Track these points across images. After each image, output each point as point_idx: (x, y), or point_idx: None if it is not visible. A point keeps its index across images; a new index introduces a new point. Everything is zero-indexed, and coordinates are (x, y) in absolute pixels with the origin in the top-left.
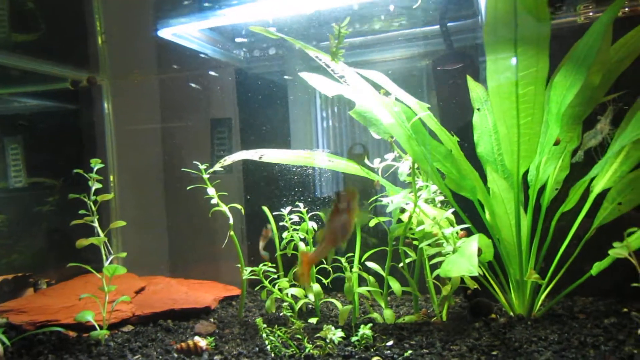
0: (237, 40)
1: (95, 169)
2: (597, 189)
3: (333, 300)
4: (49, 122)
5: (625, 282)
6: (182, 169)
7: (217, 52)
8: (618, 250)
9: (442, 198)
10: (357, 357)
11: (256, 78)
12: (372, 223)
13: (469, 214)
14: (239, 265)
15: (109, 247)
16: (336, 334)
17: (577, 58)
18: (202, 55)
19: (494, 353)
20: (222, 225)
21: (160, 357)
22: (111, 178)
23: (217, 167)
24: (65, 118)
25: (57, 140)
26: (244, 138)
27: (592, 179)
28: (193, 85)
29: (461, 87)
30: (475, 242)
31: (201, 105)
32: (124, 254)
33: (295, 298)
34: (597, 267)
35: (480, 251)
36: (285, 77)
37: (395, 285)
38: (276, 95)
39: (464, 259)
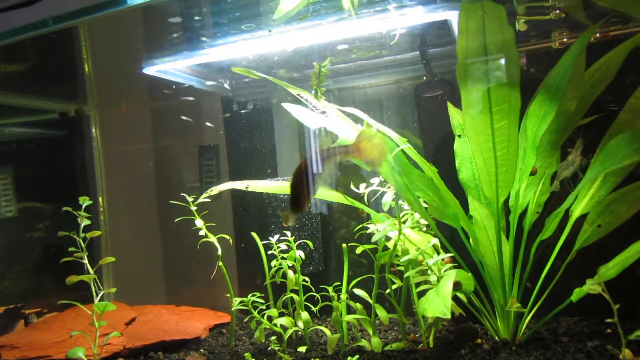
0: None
1: (83, 206)
2: (575, 213)
3: (322, 327)
4: (38, 150)
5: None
6: (170, 202)
7: (203, 83)
8: (591, 287)
9: (427, 224)
10: None
11: (242, 106)
12: (358, 251)
13: (454, 239)
14: (228, 295)
15: (99, 284)
16: None
17: (550, 87)
18: (188, 86)
19: None
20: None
21: None
22: (100, 200)
23: (204, 196)
24: (55, 145)
25: (47, 166)
26: (232, 164)
27: (571, 205)
28: (184, 117)
29: (442, 113)
30: (450, 280)
31: (189, 132)
32: (114, 289)
33: (284, 328)
34: (577, 294)
35: (459, 285)
36: (270, 106)
37: (382, 313)
38: (262, 122)
39: (439, 300)
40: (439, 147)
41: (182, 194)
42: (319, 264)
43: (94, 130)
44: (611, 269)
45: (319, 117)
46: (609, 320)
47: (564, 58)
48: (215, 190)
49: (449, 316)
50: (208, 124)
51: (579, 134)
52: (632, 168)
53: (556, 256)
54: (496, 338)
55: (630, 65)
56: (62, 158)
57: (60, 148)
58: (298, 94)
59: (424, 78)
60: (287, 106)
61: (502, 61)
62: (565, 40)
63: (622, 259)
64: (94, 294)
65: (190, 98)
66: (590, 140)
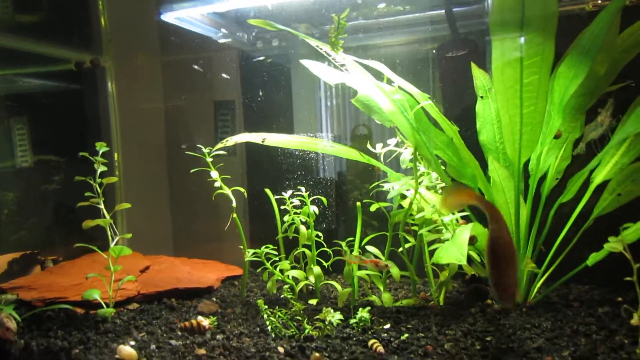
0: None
1: (100, 152)
2: (597, 179)
3: (333, 282)
4: (54, 102)
5: (621, 272)
6: (186, 152)
7: (221, 35)
8: (613, 245)
9: (444, 185)
10: (354, 339)
11: (260, 60)
12: (372, 208)
13: None
14: (242, 247)
15: (115, 228)
16: (335, 317)
17: (582, 48)
18: (205, 38)
19: (488, 339)
20: (226, 203)
21: (165, 335)
22: (115, 157)
23: (219, 146)
24: (71, 98)
25: (62, 119)
26: (247, 121)
27: (592, 170)
28: (196, 67)
29: (466, 74)
30: (467, 231)
31: (205, 87)
32: (129, 235)
33: (295, 280)
34: (593, 258)
35: (475, 239)
36: (289, 61)
37: (394, 270)
38: (280, 78)
39: (454, 247)
40: (460, 108)
41: (198, 145)
42: (331, 222)
43: (109, 84)
44: (631, 233)
45: (338, 73)
46: (627, 278)
47: (599, 18)
48: (231, 141)
49: (464, 262)
50: (225, 77)
51: (611, 94)
52: None
53: (572, 224)
54: None
55: None
56: (77, 112)
57: (75, 101)
58: (317, 46)
59: (449, 38)
60: (306, 62)
61: (539, 10)
62: (599, 1)
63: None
64: (110, 238)
65: (207, 51)
66: (620, 104)
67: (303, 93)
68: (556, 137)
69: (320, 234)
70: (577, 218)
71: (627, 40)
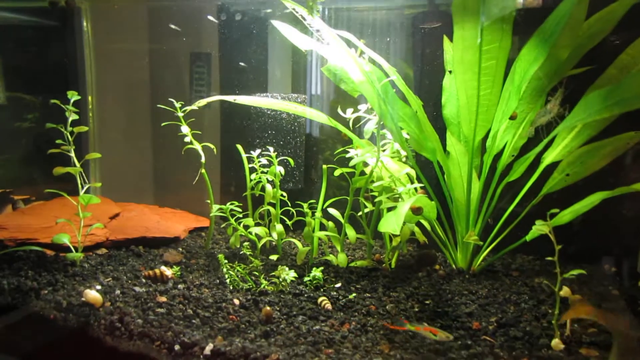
0: None
1: (72, 101)
2: (547, 160)
3: (294, 240)
4: (28, 38)
5: (565, 245)
6: (158, 105)
7: None
8: (539, 227)
9: (404, 154)
10: (306, 295)
11: (238, 14)
12: (336, 173)
13: (431, 172)
14: (209, 201)
15: (84, 177)
16: (289, 274)
17: (544, 33)
18: None
19: (427, 302)
20: (206, 152)
21: (130, 281)
22: (89, 98)
23: (193, 107)
24: (46, 36)
25: (37, 57)
26: (223, 74)
27: (543, 151)
28: (172, 26)
29: (438, 47)
30: (408, 203)
31: (182, 36)
32: (99, 184)
33: (258, 236)
34: (531, 234)
35: (420, 210)
36: (267, 18)
37: (351, 233)
38: (257, 34)
39: (393, 218)
40: (429, 81)
41: (169, 99)
42: (299, 182)
43: (85, 23)
44: (566, 215)
45: (309, 39)
46: (549, 258)
47: (563, 4)
48: (202, 102)
49: (398, 232)
50: (202, 30)
51: (561, 83)
52: (608, 123)
53: (525, 199)
54: (453, 266)
55: (628, 20)
56: (52, 50)
57: (51, 39)
58: (294, 9)
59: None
60: (277, 24)
61: (499, 1)
62: None
63: (577, 208)
64: (80, 186)
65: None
66: (573, 92)
67: (279, 51)
68: (512, 118)
69: (284, 193)
70: (530, 194)
71: (594, 27)
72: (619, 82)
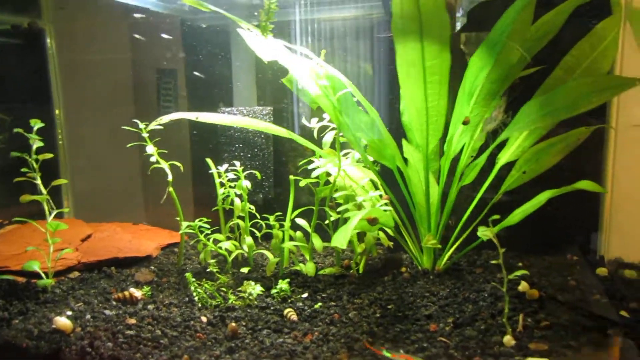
0: None
1: (35, 129)
2: (502, 160)
3: (265, 251)
4: None
5: (526, 239)
6: (122, 127)
7: (161, 4)
8: (483, 233)
9: (372, 158)
10: (272, 308)
11: (201, 30)
12: (302, 184)
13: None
14: (178, 218)
15: (52, 204)
16: (255, 288)
17: (491, 41)
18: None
19: (390, 307)
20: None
21: (100, 304)
22: (57, 112)
23: (154, 125)
24: (10, 55)
25: (3, 77)
26: (190, 89)
27: (496, 154)
28: (137, 36)
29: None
30: (357, 218)
31: (148, 54)
32: (67, 209)
33: (228, 251)
34: (481, 233)
35: (376, 220)
36: (229, 31)
37: (317, 242)
38: (221, 47)
39: (343, 232)
40: (390, 87)
41: (134, 120)
42: (269, 193)
43: (49, 42)
44: (516, 215)
45: (272, 49)
46: (494, 262)
47: (507, 14)
48: (165, 119)
49: (344, 247)
50: (167, 42)
51: (505, 92)
52: (557, 123)
53: (486, 198)
54: (419, 268)
55: (574, 22)
56: (18, 69)
57: (15, 58)
58: (248, 29)
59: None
60: (242, 32)
61: (435, 24)
62: None
63: (525, 208)
64: (47, 213)
65: (149, 18)
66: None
67: (243, 64)
68: (464, 123)
69: (252, 206)
70: (488, 193)
71: (540, 30)
72: (554, 91)
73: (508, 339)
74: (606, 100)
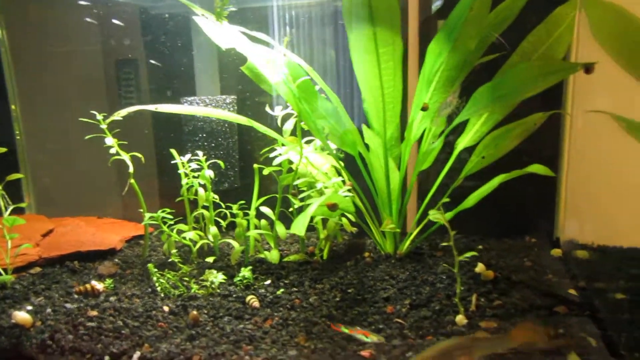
0: None
1: None
2: (460, 146)
3: (232, 241)
4: None
5: (487, 222)
6: (80, 119)
7: None
8: (434, 216)
9: (334, 145)
10: (234, 295)
11: (161, 18)
12: (265, 172)
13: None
14: (141, 210)
15: (7, 199)
16: (217, 277)
17: (448, 27)
18: None
19: (350, 290)
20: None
21: (62, 298)
22: (12, 107)
23: (112, 118)
24: None
25: None
26: (152, 79)
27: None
28: (88, 19)
29: None
30: (315, 204)
31: (107, 43)
32: (26, 204)
33: (193, 241)
34: (432, 215)
35: (336, 206)
36: (189, 19)
37: (281, 229)
38: (182, 37)
39: (300, 219)
40: (354, 75)
41: (91, 111)
42: (235, 182)
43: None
44: (471, 199)
45: (231, 36)
46: (444, 243)
47: (462, 2)
48: (123, 112)
49: (302, 233)
50: (126, 37)
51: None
52: (514, 108)
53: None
54: (382, 252)
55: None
56: None
57: None
58: (202, 14)
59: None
60: (199, 20)
61: (385, 9)
62: None
63: (480, 192)
64: (3, 208)
65: (107, 6)
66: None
67: (204, 52)
68: (423, 109)
69: (217, 196)
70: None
71: (500, 16)
72: (504, 75)
73: (460, 318)
74: (552, 84)
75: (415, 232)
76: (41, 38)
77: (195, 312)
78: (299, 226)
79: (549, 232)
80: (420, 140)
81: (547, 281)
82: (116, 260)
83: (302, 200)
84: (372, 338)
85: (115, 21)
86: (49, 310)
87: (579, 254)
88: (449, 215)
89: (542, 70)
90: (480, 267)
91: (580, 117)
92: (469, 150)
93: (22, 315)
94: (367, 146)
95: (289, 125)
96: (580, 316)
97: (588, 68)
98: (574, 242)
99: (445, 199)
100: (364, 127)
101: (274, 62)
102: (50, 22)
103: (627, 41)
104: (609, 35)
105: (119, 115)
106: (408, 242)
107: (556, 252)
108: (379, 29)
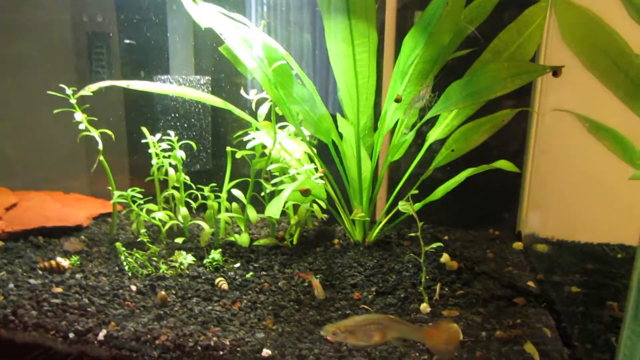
0: None
1: None
2: (431, 138)
3: (201, 222)
4: None
5: (453, 213)
6: (48, 92)
7: None
8: (403, 207)
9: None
10: (203, 277)
11: None
12: (238, 155)
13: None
14: (110, 187)
15: None
16: (187, 258)
17: (424, 21)
18: None
19: (318, 276)
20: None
21: (25, 274)
22: None
23: (82, 93)
24: None
25: None
26: (124, 55)
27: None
28: None
29: None
30: (289, 189)
31: (77, 15)
32: None
33: (162, 221)
34: (401, 206)
35: (309, 191)
36: None
37: (252, 213)
38: (156, 12)
39: (275, 203)
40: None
41: (60, 84)
42: (207, 163)
43: None
44: (439, 192)
45: (211, 15)
46: (411, 234)
47: None
48: (94, 87)
49: (277, 217)
50: (98, 10)
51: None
52: (484, 103)
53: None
54: (351, 240)
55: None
56: None
57: None
58: None
59: None
60: None
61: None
62: None
63: (447, 185)
64: None
65: None
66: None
67: (181, 30)
68: (396, 100)
69: (187, 177)
70: (418, 169)
71: (474, 12)
72: (475, 74)
73: (424, 307)
74: (520, 85)
75: (384, 221)
76: (11, 6)
77: (163, 293)
78: (274, 210)
79: (511, 226)
80: (392, 131)
81: (507, 273)
82: (82, 237)
83: (274, 185)
84: (319, 291)
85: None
86: (11, 285)
87: (539, 248)
88: (418, 206)
89: (510, 72)
90: (445, 258)
91: (547, 115)
92: (439, 142)
93: None
94: (340, 135)
95: (263, 110)
96: (537, 307)
97: (555, 72)
98: (534, 236)
99: (414, 191)
100: (338, 116)
101: (251, 45)
102: None
103: (593, 43)
104: (576, 36)
105: (89, 89)
106: (377, 231)
107: (518, 245)
108: (354, 21)
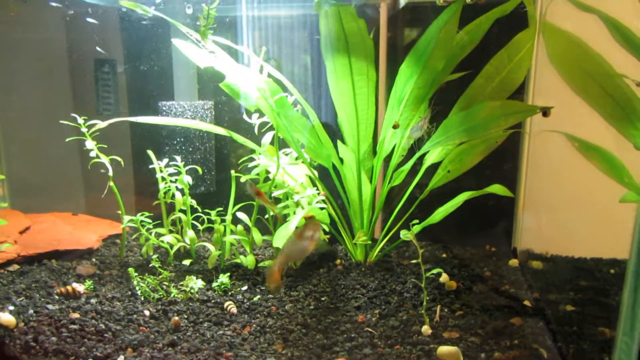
0: None
1: None
2: (428, 162)
3: (209, 245)
4: None
5: (451, 230)
6: (60, 121)
7: None
8: (405, 235)
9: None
10: (213, 301)
11: (140, 22)
12: (242, 180)
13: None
14: (120, 212)
15: None
16: (197, 283)
17: (418, 51)
18: None
19: (323, 299)
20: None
21: (43, 299)
22: None
23: (93, 130)
24: None
25: None
26: (130, 83)
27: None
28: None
29: None
30: (296, 218)
31: (85, 45)
32: (6, 204)
33: (170, 244)
34: (403, 235)
35: (313, 218)
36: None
37: (257, 236)
38: (160, 42)
39: (283, 232)
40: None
41: (72, 114)
42: (211, 186)
43: None
44: (438, 215)
45: (208, 56)
46: (414, 261)
47: (432, 27)
48: (101, 124)
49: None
50: (105, 39)
51: (430, 103)
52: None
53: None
54: (353, 260)
55: (496, 33)
56: None
57: None
58: (187, 32)
59: None
60: (177, 42)
61: (359, 44)
62: None
63: (446, 207)
64: None
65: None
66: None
67: (183, 58)
68: (394, 127)
69: (194, 201)
70: (416, 191)
71: (464, 38)
72: (471, 109)
73: (426, 329)
74: (513, 124)
75: (384, 241)
76: (19, 33)
77: (176, 318)
78: (281, 240)
79: (507, 242)
80: (390, 155)
81: (505, 292)
82: (94, 260)
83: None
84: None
85: (92, 20)
86: (31, 311)
87: (534, 264)
88: (417, 228)
89: (504, 111)
90: (444, 278)
91: (539, 135)
92: (435, 164)
93: (5, 317)
94: (341, 159)
95: (267, 139)
96: (533, 327)
97: (545, 112)
98: (529, 252)
99: (415, 221)
100: (339, 142)
101: (252, 81)
102: (29, 20)
103: (580, 68)
104: (564, 61)
105: (98, 127)
106: (377, 251)
107: (513, 262)
108: (354, 59)
